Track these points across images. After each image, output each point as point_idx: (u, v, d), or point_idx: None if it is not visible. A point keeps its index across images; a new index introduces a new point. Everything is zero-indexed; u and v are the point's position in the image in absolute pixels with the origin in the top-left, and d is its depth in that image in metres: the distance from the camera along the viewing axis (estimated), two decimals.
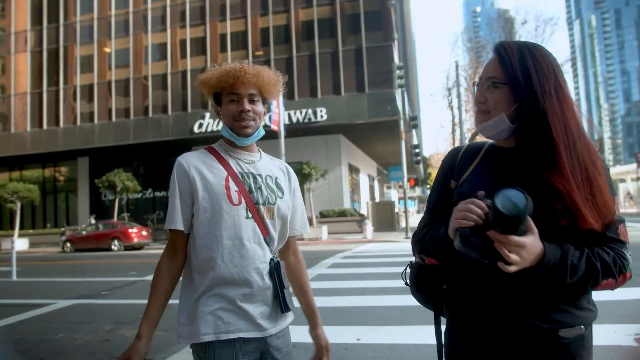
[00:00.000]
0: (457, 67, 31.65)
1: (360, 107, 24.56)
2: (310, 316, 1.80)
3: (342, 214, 24.53)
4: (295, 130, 24.49)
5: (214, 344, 1.53)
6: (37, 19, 32.20)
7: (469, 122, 34.64)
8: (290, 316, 1.72)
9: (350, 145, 29.40)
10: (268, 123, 22.86)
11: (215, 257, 1.55)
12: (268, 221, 1.64)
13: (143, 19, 29.81)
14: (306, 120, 24.92)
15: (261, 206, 1.62)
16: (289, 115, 24.44)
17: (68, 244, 21.89)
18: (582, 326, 1.21)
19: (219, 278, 1.55)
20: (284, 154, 20.02)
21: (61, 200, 32.67)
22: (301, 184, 22.60)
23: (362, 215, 24.69)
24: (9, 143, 30.79)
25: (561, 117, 1.19)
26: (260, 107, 1.67)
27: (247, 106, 1.63)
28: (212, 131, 25.70)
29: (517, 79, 1.21)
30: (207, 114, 25.88)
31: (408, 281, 1.45)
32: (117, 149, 28.88)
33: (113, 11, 30.46)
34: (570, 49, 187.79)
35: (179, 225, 1.58)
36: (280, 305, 1.61)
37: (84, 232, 22.43)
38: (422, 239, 1.36)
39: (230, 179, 1.60)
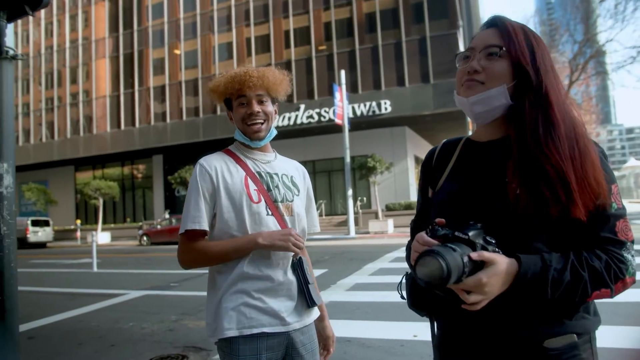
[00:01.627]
0: None
1: (426, 98, 23.97)
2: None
3: (409, 207, 24.06)
4: (359, 124, 24.34)
5: (237, 339, 1.53)
6: (114, 27, 34.27)
7: None
8: (315, 313, 1.73)
9: (416, 137, 28.81)
10: (332, 117, 22.88)
11: None
12: (287, 218, 1.66)
13: (210, 20, 30.83)
14: (370, 113, 24.69)
15: (280, 203, 1.65)
16: (353, 108, 24.32)
17: (145, 238, 23.06)
18: (574, 334, 1.04)
19: (242, 273, 1.57)
20: (349, 147, 19.89)
21: (139, 196, 34.65)
22: (366, 177, 22.45)
23: None
24: (92, 143, 33.14)
25: (559, 96, 1.09)
26: (269, 107, 1.70)
27: (256, 108, 1.66)
28: (277, 127, 26.08)
29: (523, 52, 1.09)
30: None
31: (404, 294, 1.27)
32: (188, 147, 30.12)
33: (182, 14, 31.75)
34: None
35: (205, 226, 1.58)
36: (306, 300, 1.63)
37: (159, 227, 23.54)
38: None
39: (248, 178, 1.63)
